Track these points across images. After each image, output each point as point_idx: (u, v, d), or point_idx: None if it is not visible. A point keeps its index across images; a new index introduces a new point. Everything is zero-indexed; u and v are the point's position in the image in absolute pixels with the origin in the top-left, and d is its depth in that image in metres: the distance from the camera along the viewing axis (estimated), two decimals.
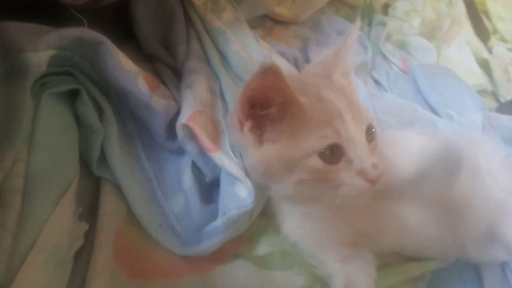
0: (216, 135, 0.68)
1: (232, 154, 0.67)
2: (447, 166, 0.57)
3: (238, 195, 0.63)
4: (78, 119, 0.64)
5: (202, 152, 0.68)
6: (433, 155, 0.58)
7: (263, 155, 0.61)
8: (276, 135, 0.59)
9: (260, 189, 0.65)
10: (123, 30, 0.87)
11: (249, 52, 0.95)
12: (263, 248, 0.67)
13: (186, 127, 0.67)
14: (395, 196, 0.65)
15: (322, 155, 0.57)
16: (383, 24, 1.46)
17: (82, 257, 0.55)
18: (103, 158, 0.64)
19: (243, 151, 0.66)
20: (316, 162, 0.57)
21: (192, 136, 0.68)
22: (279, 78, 0.53)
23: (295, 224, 0.67)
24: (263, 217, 0.71)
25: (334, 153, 0.57)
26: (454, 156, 0.56)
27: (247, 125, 0.60)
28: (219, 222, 0.61)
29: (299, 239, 0.67)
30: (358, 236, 0.67)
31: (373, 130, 0.61)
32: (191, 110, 0.68)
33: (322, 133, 0.57)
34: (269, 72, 0.53)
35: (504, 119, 1.29)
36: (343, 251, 0.66)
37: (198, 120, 0.67)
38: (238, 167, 0.64)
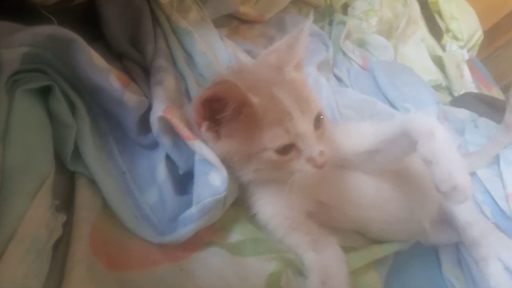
0: (190, 128, 0.70)
1: None
2: (402, 142, 0.66)
3: (211, 184, 0.65)
4: (51, 116, 0.65)
5: (177, 144, 0.71)
6: (392, 131, 0.68)
7: (221, 149, 0.67)
8: (232, 131, 0.65)
9: (232, 180, 0.68)
10: (92, 29, 0.87)
11: (214, 51, 0.98)
12: (235, 236, 0.70)
13: (163, 119, 0.69)
14: (353, 168, 0.75)
15: (276, 149, 0.63)
16: (343, 23, 1.52)
17: (60, 249, 0.56)
18: (77, 153, 0.65)
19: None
20: (271, 155, 0.64)
21: (167, 129, 0.70)
22: (231, 88, 0.59)
23: (266, 200, 0.71)
24: (235, 207, 0.74)
25: (286, 147, 0.64)
26: (410, 132, 0.63)
27: (204, 126, 0.66)
28: (193, 210, 0.63)
29: (270, 217, 0.71)
30: (324, 209, 0.73)
31: (322, 117, 0.68)
32: (165, 104, 0.70)
33: (274, 133, 0.63)
34: (222, 84, 0.59)
35: (458, 112, 1.37)
36: (311, 232, 0.70)
37: (173, 112, 0.70)
38: (215, 155, 0.67)
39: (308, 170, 0.64)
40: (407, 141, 0.64)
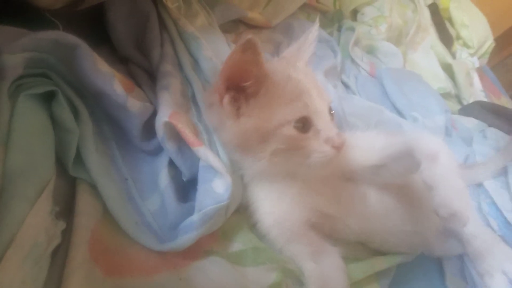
0: (196, 134, 0.70)
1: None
2: (407, 161, 0.66)
3: (215, 191, 0.65)
4: (54, 121, 0.65)
5: (181, 150, 0.71)
6: (397, 149, 0.68)
7: (240, 127, 0.67)
8: (251, 109, 0.66)
9: (236, 186, 0.68)
10: (98, 32, 0.88)
11: (221, 57, 0.98)
12: (236, 245, 0.70)
13: (168, 125, 0.69)
14: (358, 180, 0.75)
15: (294, 125, 0.64)
16: (352, 29, 1.51)
17: (59, 256, 0.56)
18: (78, 159, 0.65)
19: (220, 128, 0.71)
20: (290, 130, 0.64)
21: (172, 134, 0.70)
22: (256, 52, 0.60)
23: (268, 209, 0.71)
24: (237, 215, 0.73)
25: (304, 124, 0.65)
26: (414, 153, 0.63)
27: (227, 97, 0.66)
28: (195, 218, 0.63)
29: (270, 227, 0.71)
30: (326, 219, 0.72)
31: (332, 112, 0.70)
32: (170, 110, 0.70)
33: (293, 106, 0.65)
34: (249, 46, 0.59)
35: (466, 121, 1.35)
36: (311, 243, 0.69)
37: (179, 118, 0.69)
38: (220, 161, 0.67)
39: (325, 151, 0.65)
40: (411, 161, 0.64)
